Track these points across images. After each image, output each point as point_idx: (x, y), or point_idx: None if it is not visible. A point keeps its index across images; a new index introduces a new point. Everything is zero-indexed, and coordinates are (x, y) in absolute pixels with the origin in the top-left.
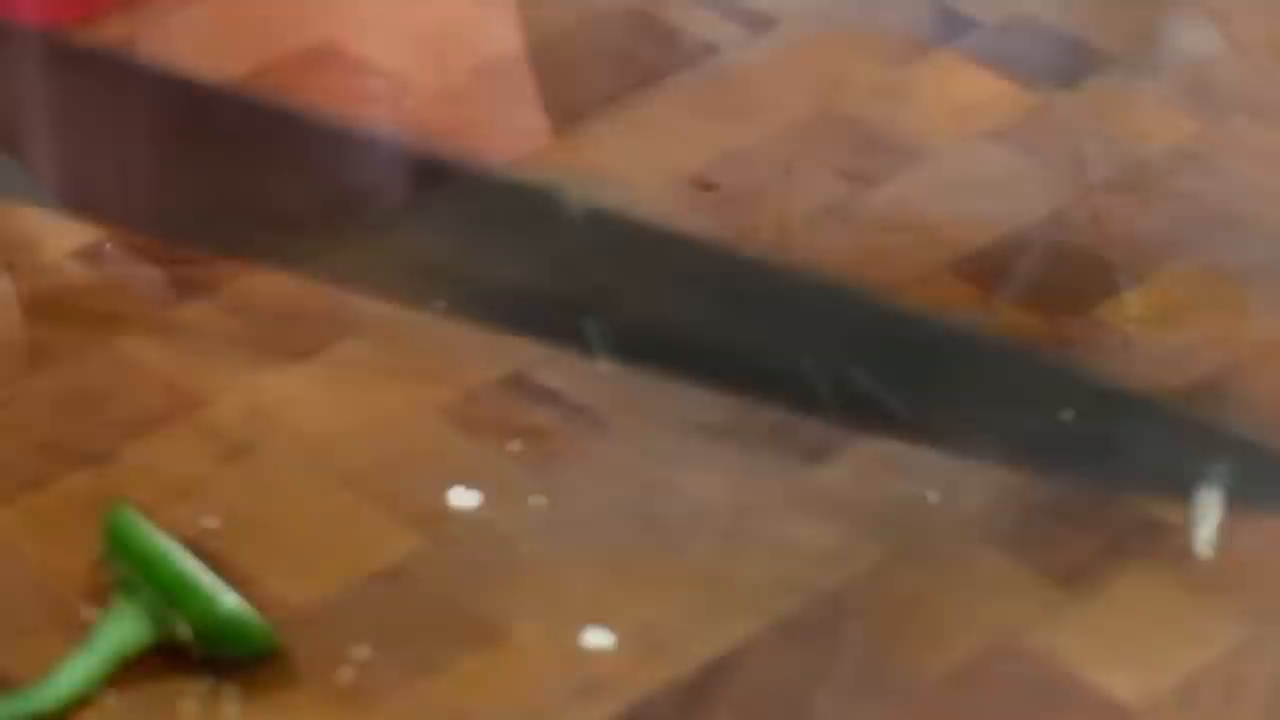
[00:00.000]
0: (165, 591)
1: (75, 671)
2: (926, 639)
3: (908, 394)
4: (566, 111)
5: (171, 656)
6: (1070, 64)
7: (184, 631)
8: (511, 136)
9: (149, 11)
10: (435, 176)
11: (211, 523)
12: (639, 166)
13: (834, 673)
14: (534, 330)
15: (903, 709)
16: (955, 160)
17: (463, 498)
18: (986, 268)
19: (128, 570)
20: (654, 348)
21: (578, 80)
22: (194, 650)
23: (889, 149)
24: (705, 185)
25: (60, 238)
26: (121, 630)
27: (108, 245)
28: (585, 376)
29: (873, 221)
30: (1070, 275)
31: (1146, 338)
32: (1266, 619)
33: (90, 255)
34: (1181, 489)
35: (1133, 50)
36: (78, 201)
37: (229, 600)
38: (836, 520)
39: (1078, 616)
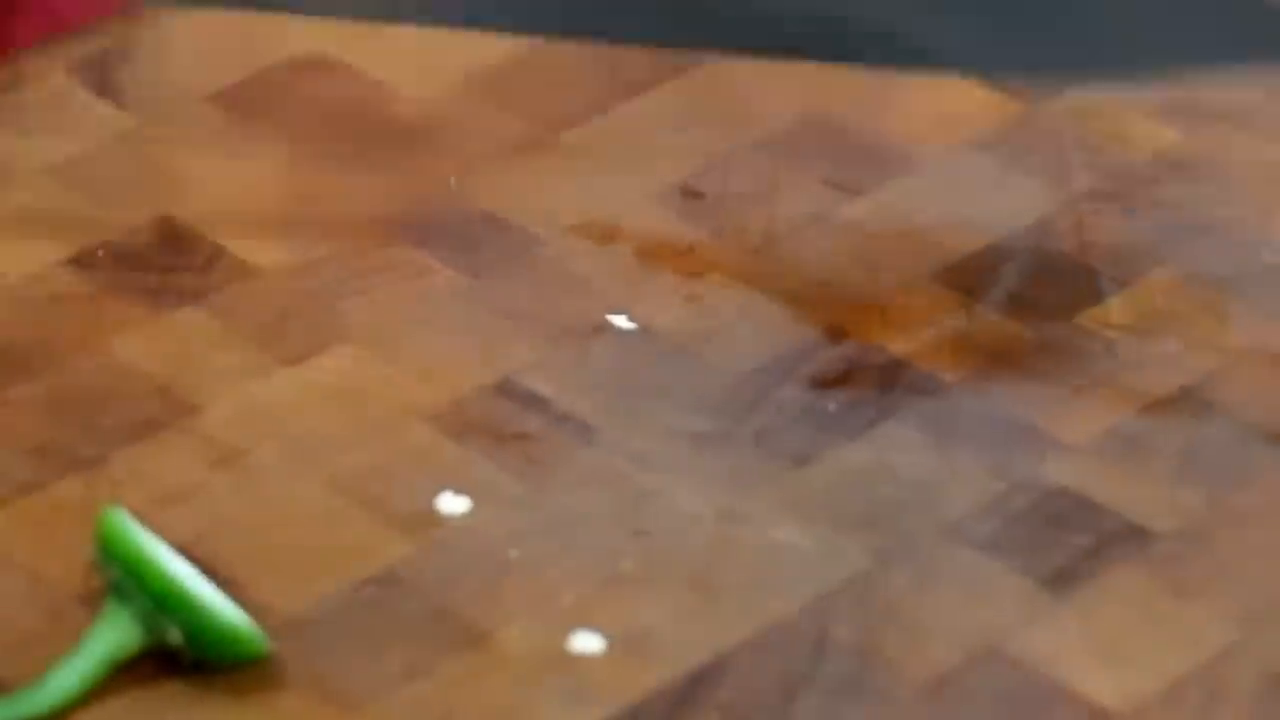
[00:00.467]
0: (156, 596)
1: (67, 676)
2: (911, 643)
3: None
4: (554, 120)
5: (162, 661)
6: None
7: (175, 636)
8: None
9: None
10: None
11: (202, 528)
12: (626, 174)
13: (819, 677)
14: None
15: (887, 713)
16: (940, 168)
17: (452, 503)
18: (971, 275)
19: (119, 575)
20: None
21: (565, 90)
22: (185, 655)
23: (874, 157)
24: (692, 193)
25: (54, 243)
26: (113, 635)
27: (100, 252)
28: (573, 383)
29: (858, 229)
30: (1054, 282)
31: (1129, 344)
32: (1249, 623)
33: (83, 262)
34: None
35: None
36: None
37: (220, 605)
38: (821, 525)
39: (1062, 621)
